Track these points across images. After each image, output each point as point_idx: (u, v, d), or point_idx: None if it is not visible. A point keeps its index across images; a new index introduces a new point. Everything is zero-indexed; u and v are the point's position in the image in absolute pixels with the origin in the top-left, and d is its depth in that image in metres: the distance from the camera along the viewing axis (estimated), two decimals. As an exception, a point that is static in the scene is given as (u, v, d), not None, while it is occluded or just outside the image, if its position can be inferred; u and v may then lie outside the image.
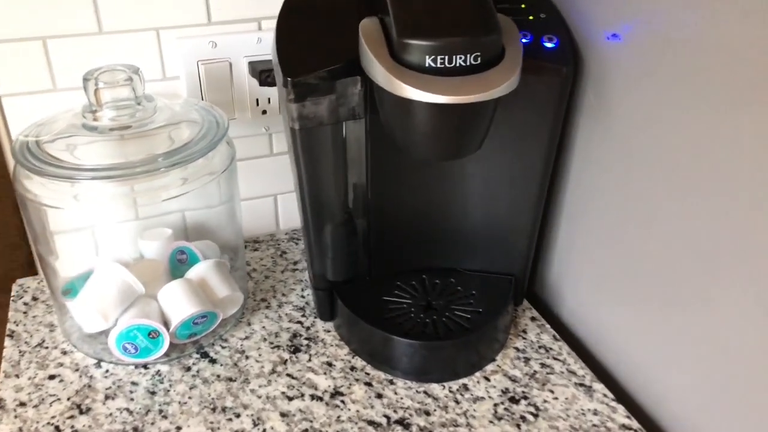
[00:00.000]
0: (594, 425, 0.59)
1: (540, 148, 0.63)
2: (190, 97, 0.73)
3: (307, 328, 0.71)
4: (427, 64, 0.49)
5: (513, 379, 0.64)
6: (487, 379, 0.64)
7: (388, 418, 0.60)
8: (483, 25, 0.49)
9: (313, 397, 0.62)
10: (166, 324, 0.64)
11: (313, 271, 0.69)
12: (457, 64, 0.49)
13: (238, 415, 0.60)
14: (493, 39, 0.49)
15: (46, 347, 0.68)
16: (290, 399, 0.62)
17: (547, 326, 0.71)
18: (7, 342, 0.68)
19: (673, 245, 0.55)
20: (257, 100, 0.77)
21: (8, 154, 0.72)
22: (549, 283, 0.75)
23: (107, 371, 0.65)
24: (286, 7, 0.60)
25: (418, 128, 0.53)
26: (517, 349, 0.68)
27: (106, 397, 0.62)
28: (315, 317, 0.72)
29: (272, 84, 0.72)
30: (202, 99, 0.74)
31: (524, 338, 0.69)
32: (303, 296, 0.75)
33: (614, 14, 0.58)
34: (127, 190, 0.62)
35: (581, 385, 0.63)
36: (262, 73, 0.72)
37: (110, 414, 0.60)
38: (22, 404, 0.61)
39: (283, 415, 0.60)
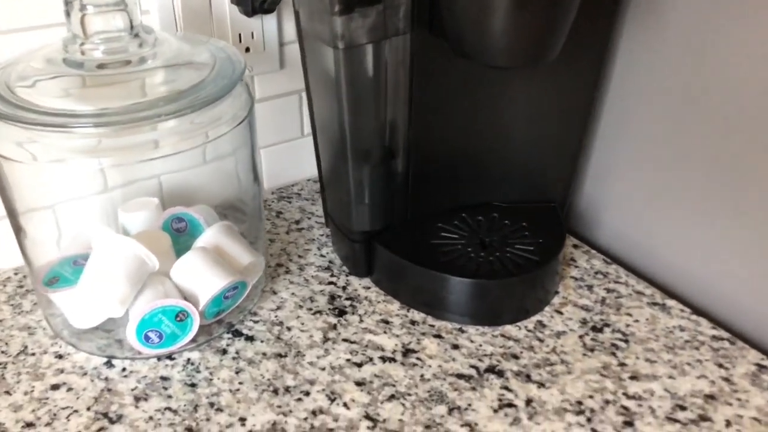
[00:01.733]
0: (686, 341, 0.56)
1: (591, 59, 0.58)
2: (192, 33, 0.61)
3: (343, 288, 0.62)
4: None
5: (585, 309, 0.59)
6: (560, 312, 0.59)
7: (476, 368, 0.53)
8: None
9: (383, 359, 0.54)
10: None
11: (350, 221, 0.60)
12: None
13: (307, 393, 0.51)
14: None
15: (32, 353, 0.54)
16: (359, 366, 0.53)
17: (594, 252, 0.67)
18: (-22, 355, 0.54)
19: (718, 156, 0.52)
20: (240, 35, 0.66)
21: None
22: (580, 208, 0.71)
23: (124, 369, 0.53)
24: None
25: (503, 24, 0.46)
26: (575, 278, 0.63)
27: (137, 399, 0.50)
28: (347, 275, 0.63)
29: (269, 10, 0.61)
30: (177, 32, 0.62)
31: (576, 266, 0.65)
32: (323, 255, 0.66)
33: None
34: (113, 144, 0.50)
35: (654, 303, 0.60)
36: (255, -1, 0.61)
37: (150, 417, 0.49)
38: (30, 425, 0.48)
39: (358, 384, 0.52)
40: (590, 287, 0.62)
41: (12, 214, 0.54)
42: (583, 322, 0.58)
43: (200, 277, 0.54)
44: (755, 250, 0.55)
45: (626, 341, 0.56)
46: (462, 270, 0.57)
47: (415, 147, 0.58)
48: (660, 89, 0.58)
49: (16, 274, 0.63)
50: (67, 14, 0.47)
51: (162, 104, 0.46)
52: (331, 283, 0.63)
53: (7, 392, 0.51)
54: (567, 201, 0.67)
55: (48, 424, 0.48)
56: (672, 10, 0.55)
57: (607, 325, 0.58)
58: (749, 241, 0.55)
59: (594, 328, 0.57)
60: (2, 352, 0.54)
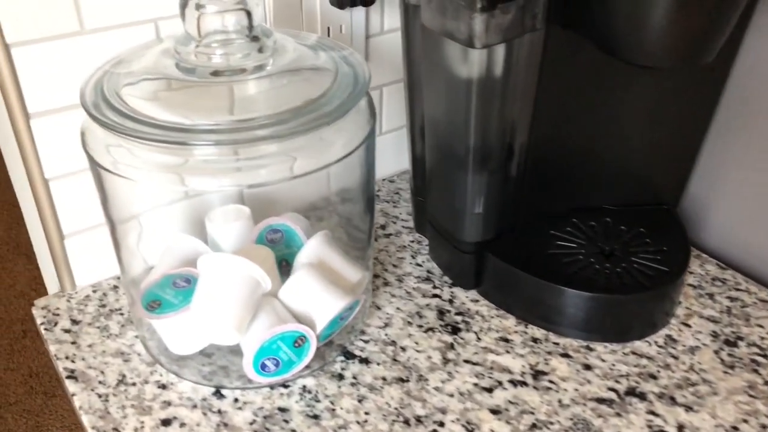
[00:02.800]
0: (829, 355, 0.53)
1: (718, 62, 0.53)
2: (307, 33, 0.56)
3: (450, 301, 0.58)
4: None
5: (712, 320, 0.56)
6: (687, 325, 0.56)
7: (615, 391, 0.50)
8: None
9: (513, 382, 0.50)
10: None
11: (463, 231, 0.56)
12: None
13: (441, 424, 0.47)
14: None
15: (133, 383, 0.50)
16: (489, 391, 0.50)
17: (706, 256, 0.63)
18: (74, 387, 0.50)
19: None
20: (328, 28, 0.61)
21: (21, 129, 0.51)
22: (684, 208, 0.67)
23: (236, 400, 0.49)
24: None
25: (664, 20, 0.42)
26: (693, 286, 0.60)
27: (258, 435, 0.46)
28: (450, 286, 0.59)
29: (368, 2, 0.56)
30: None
31: (691, 272, 0.61)
32: (419, 264, 0.62)
33: None
34: (237, 159, 0.45)
35: (783, 313, 0.57)
36: (355, -10, 0.56)
37: (278, 456, 0.45)
38: (149, 468, 0.44)
39: (493, 412, 0.48)
40: (711, 296, 0.59)
41: (112, 227, 0.49)
42: (714, 335, 0.55)
43: (316, 299, 0.50)
44: None
45: (765, 356, 0.53)
46: (590, 284, 0.53)
47: (533, 149, 0.54)
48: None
49: (94, 291, 0.59)
50: (182, 13, 0.42)
51: (279, 120, 0.41)
52: (435, 296, 0.59)
53: (116, 429, 0.46)
54: (678, 203, 0.63)
55: (168, 467, 0.44)
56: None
57: (741, 339, 0.54)
58: None
59: (728, 342, 0.54)
60: (100, 382, 0.50)
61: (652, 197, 0.62)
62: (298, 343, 0.48)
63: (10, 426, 1.45)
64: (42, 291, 0.59)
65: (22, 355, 1.59)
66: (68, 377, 0.50)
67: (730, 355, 0.53)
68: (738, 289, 0.59)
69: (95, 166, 0.44)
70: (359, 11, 0.62)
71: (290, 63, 0.46)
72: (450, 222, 0.57)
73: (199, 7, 0.42)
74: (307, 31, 0.59)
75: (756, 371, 0.51)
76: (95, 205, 0.53)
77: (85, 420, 0.47)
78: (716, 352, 0.53)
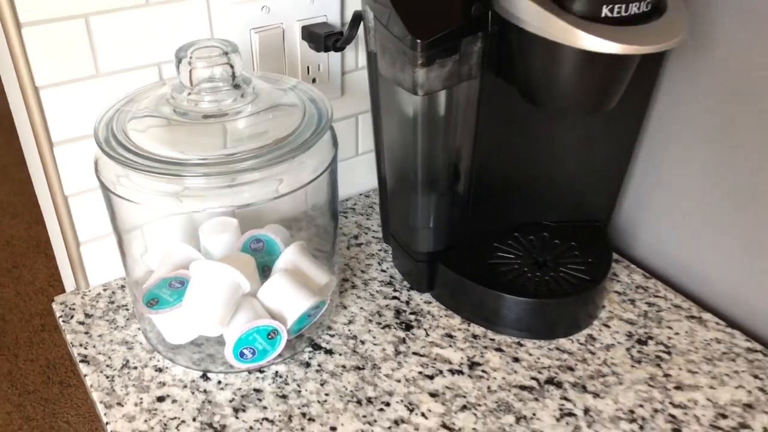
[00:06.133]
0: (723, 353, 0.62)
1: (639, 95, 0.63)
2: (279, 75, 0.65)
3: (407, 302, 0.68)
4: (603, 14, 0.47)
5: (630, 322, 0.65)
6: (607, 326, 0.65)
7: (536, 380, 0.59)
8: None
9: (452, 371, 0.60)
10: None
11: (416, 242, 0.65)
12: (632, 12, 0.47)
13: (387, 404, 0.57)
14: (663, -16, 0.48)
15: (134, 367, 0.60)
16: (431, 378, 0.59)
17: (633, 266, 0.73)
18: (86, 369, 0.60)
19: (758, 181, 0.58)
20: (308, 67, 0.71)
21: (46, 155, 0.61)
22: (619, 223, 0.76)
23: (219, 382, 0.59)
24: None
25: (574, 80, 0.52)
26: (618, 293, 0.69)
27: (235, 410, 0.56)
28: (408, 290, 0.69)
29: (340, 49, 0.66)
30: (254, 69, 0.67)
31: (618, 281, 0.71)
32: (384, 270, 0.72)
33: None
34: (225, 185, 0.55)
35: (692, 317, 0.66)
36: (328, 38, 0.66)
37: (250, 428, 0.55)
38: (146, 434, 0.54)
39: (432, 395, 0.58)
40: (633, 301, 0.68)
41: (118, 238, 0.60)
42: (629, 335, 0.64)
43: (287, 299, 0.60)
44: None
45: (669, 353, 0.62)
46: (522, 290, 0.63)
47: (477, 173, 0.64)
48: (699, 117, 0.64)
49: (105, 290, 0.69)
50: (177, 67, 0.52)
51: (257, 154, 0.51)
52: (395, 298, 0.68)
53: (119, 404, 0.57)
54: (609, 219, 0.72)
55: (161, 434, 0.54)
56: (712, 43, 0.60)
57: (651, 338, 0.63)
58: (782, 264, 0.61)
59: (639, 341, 0.63)
60: (107, 365, 0.60)
61: (586, 215, 0.71)
62: (271, 335, 0.58)
63: (28, 413, 1.57)
64: (59, 287, 0.70)
65: (41, 347, 1.71)
66: (81, 361, 0.61)
67: (639, 351, 0.62)
68: (657, 296, 0.69)
69: (105, 189, 0.55)
70: (335, 53, 0.72)
71: (266, 104, 0.56)
72: (406, 235, 0.67)
73: (191, 62, 0.52)
74: (289, 70, 0.70)
75: (659, 365, 0.61)
76: (106, 218, 0.63)
77: (95, 396, 0.58)
78: (628, 349, 0.62)
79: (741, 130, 0.61)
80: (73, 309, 0.67)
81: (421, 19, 0.53)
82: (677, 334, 0.64)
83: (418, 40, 0.52)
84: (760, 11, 0.56)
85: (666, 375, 0.60)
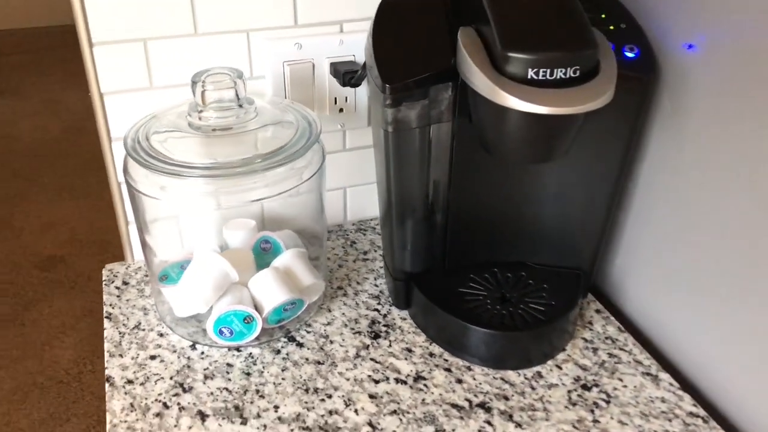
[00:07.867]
0: (662, 412, 0.63)
1: (616, 152, 0.66)
2: (281, 98, 0.77)
3: (384, 316, 0.75)
4: (529, 76, 0.53)
5: (583, 368, 0.68)
6: (559, 368, 0.68)
7: (469, 401, 0.64)
8: (582, 40, 0.53)
9: (397, 380, 0.67)
10: (257, 310, 0.69)
11: (393, 262, 0.73)
12: (558, 77, 0.52)
13: (329, 396, 0.65)
14: (591, 54, 0.53)
15: (143, 329, 0.73)
16: (376, 382, 0.66)
17: (612, 318, 0.75)
18: (107, 323, 0.73)
19: (738, 249, 0.59)
20: (335, 98, 0.81)
21: (106, 148, 0.76)
22: (611, 277, 0.78)
23: (203, 353, 0.70)
24: (379, 15, 0.64)
25: (514, 134, 0.57)
26: (585, 340, 0.72)
27: (206, 377, 0.67)
28: (390, 305, 0.77)
29: (356, 85, 0.76)
30: (286, 97, 0.78)
31: (591, 329, 0.73)
32: (377, 285, 0.80)
33: (691, 25, 0.62)
34: (222, 187, 0.66)
35: (648, 374, 0.67)
36: (345, 75, 0.75)
37: (211, 393, 0.65)
38: (130, 382, 0.66)
39: (371, 396, 0.65)
40: (595, 350, 0.70)
41: (141, 229, 0.73)
42: (576, 379, 0.67)
43: (268, 291, 0.69)
44: (760, 338, 0.61)
45: (608, 402, 0.64)
46: (478, 319, 0.68)
47: (454, 206, 0.70)
48: (683, 183, 0.66)
49: (145, 266, 0.83)
50: (193, 89, 0.64)
51: (259, 161, 0.62)
52: (376, 309, 0.76)
53: (120, 355, 0.69)
54: (593, 271, 0.75)
55: (142, 384, 0.66)
56: (695, 109, 0.63)
57: (597, 386, 0.66)
58: (756, 330, 0.61)
59: (584, 386, 0.66)
60: (123, 324, 0.73)
61: (569, 262, 0.75)
62: (247, 320, 0.68)
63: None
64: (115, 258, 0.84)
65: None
66: (106, 317, 0.74)
67: (579, 395, 0.65)
68: (622, 349, 0.71)
69: (130, 187, 0.68)
70: (362, 86, 0.81)
71: (265, 121, 0.67)
72: (388, 254, 0.74)
73: (203, 85, 0.64)
74: (317, 99, 0.80)
75: (592, 411, 0.63)
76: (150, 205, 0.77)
77: (106, 346, 0.71)
78: (569, 392, 0.65)
79: (712, 203, 0.62)
80: (116, 276, 0.81)
81: (393, 65, 0.61)
82: (625, 386, 0.66)
83: (387, 84, 0.60)
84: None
85: (595, 421, 0.62)
